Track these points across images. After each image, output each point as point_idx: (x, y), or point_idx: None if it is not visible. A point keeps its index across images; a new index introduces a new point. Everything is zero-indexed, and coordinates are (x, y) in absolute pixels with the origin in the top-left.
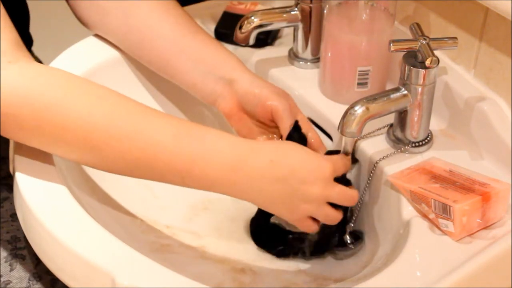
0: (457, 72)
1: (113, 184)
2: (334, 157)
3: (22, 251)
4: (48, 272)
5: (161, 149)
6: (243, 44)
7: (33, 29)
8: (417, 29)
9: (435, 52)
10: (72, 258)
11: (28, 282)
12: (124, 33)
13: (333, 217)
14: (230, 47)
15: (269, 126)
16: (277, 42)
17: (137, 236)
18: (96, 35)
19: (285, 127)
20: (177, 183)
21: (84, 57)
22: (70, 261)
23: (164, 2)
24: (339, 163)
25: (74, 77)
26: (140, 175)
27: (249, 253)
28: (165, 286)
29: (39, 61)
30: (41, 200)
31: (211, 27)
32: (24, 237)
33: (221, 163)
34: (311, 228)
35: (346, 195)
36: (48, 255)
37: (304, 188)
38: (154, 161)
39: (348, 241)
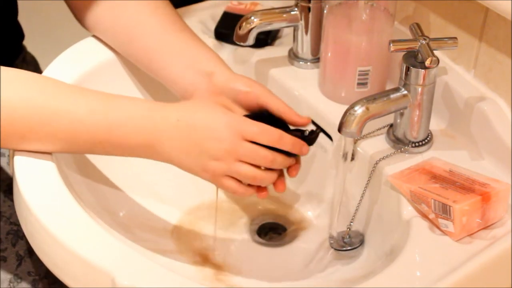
0: (457, 72)
1: (114, 183)
2: (249, 121)
3: (4, 253)
4: (29, 273)
5: (80, 126)
6: (243, 44)
7: (31, 27)
8: (417, 29)
9: (435, 52)
10: (72, 258)
11: (9, 284)
12: (116, 34)
13: (250, 175)
14: (230, 47)
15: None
16: (277, 42)
17: (137, 236)
18: (95, 36)
19: (277, 102)
20: (104, 153)
21: (83, 57)
22: (70, 261)
23: (153, 2)
24: (253, 128)
25: None
26: (75, 151)
27: (250, 253)
28: (164, 286)
29: (32, 58)
30: (41, 200)
31: (211, 27)
32: (5, 238)
33: (135, 129)
34: (233, 188)
35: (257, 154)
36: (48, 255)
37: (208, 144)
38: (78, 137)
39: (348, 242)
